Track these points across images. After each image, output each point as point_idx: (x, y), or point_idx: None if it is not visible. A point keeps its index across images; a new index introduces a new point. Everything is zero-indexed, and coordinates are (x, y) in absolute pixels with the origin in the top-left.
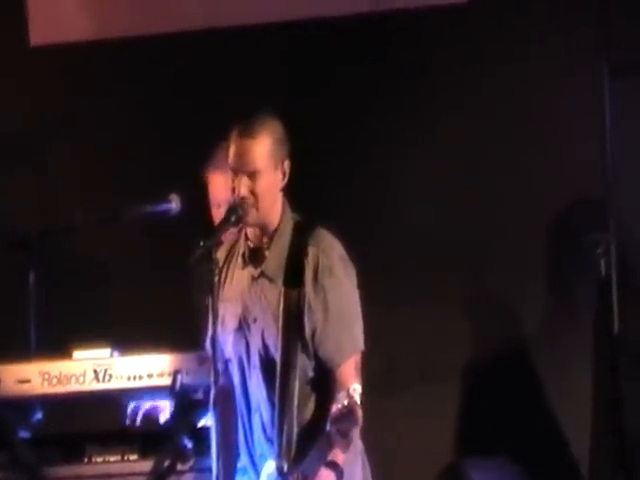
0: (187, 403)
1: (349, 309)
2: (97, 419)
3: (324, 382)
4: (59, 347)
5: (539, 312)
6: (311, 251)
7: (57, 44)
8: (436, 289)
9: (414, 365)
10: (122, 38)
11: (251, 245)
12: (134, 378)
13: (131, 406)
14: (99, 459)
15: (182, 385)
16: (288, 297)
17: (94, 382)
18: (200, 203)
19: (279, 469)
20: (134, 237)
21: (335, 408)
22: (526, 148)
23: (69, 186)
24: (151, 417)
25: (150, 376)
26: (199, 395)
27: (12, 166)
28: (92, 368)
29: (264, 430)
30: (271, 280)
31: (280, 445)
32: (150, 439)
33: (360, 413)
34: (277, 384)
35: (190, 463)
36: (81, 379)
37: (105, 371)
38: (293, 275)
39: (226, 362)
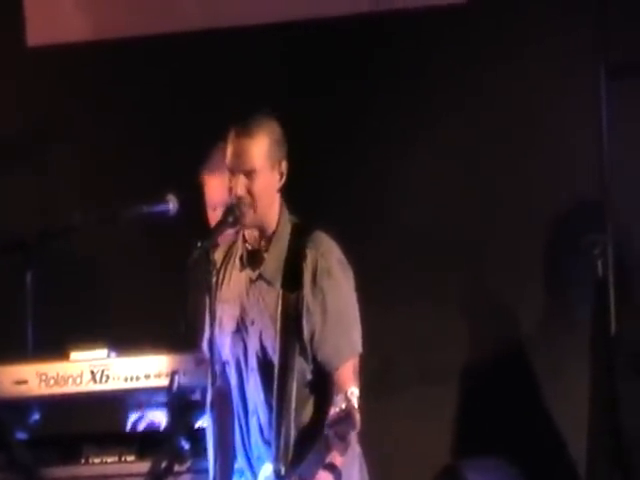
0: (184, 404)
1: (347, 312)
2: (94, 420)
3: (322, 385)
4: (56, 348)
5: (536, 313)
6: (309, 254)
7: (54, 45)
8: (434, 289)
9: (412, 366)
10: (120, 39)
11: (249, 247)
12: (131, 379)
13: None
14: (96, 460)
15: (179, 386)
16: (286, 300)
17: (91, 383)
18: (198, 204)
19: (276, 472)
20: (131, 238)
21: (333, 411)
22: (524, 149)
23: (67, 187)
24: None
25: (147, 377)
26: (196, 396)
27: (10, 167)
28: (89, 369)
29: (261, 433)
30: (269, 283)
31: (278, 448)
32: (147, 440)
33: (358, 417)
34: (275, 387)
35: (187, 464)
36: (78, 380)
37: (102, 372)
38: (291, 278)
39: (223, 364)
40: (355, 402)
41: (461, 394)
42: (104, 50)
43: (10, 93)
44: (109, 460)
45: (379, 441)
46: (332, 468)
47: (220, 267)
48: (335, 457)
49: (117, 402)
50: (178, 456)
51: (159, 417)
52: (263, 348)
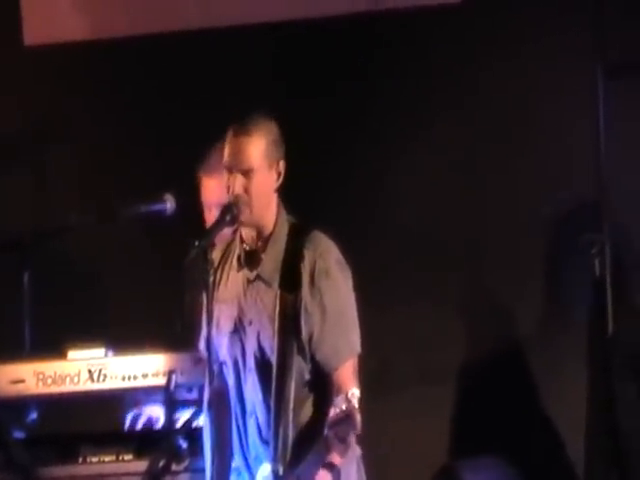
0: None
1: (346, 312)
2: (92, 419)
3: (321, 385)
4: (53, 347)
5: (534, 313)
6: (307, 255)
7: (51, 44)
8: (432, 289)
9: (410, 366)
10: (117, 38)
11: (247, 248)
12: (129, 378)
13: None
14: (94, 459)
15: (177, 385)
16: (284, 300)
17: (89, 382)
18: (196, 203)
19: (275, 472)
20: (129, 237)
21: (333, 412)
22: (521, 148)
23: (65, 186)
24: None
25: (145, 376)
26: (193, 395)
27: (8, 167)
28: (87, 368)
29: (259, 433)
30: (267, 283)
31: (276, 448)
32: (145, 439)
33: (359, 418)
34: (273, 387)
35: (185, 463)
36: (76, 379)
37: (100, 371)
38: (289, 278)
39: (220, 364)
40: (356, 403)
41: (459, 394)
42: (101, 49)
43: (7, 93)
44: (107, 459)
45: (377, 441)
46: (331, 467)
47: (217, 267)
48: (334, 457)
49: (115, 401)
50: (176, 455)
51: (157, 412)
52: (261, 348)
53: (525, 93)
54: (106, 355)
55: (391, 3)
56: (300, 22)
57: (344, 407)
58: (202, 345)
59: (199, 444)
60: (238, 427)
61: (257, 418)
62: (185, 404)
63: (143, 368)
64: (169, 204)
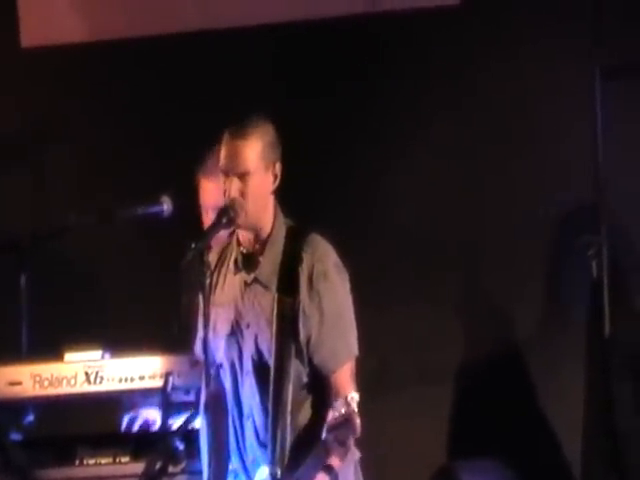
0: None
1: (344, 315)
2: (89, 421)
3: (319, 388)
4: (51, 349)
5: (532, 313)
6: (306, 258)
7: (49, 46)
8: (430, 290)
9: (408, 366)
10: (115, 40)
11: (244, 251)
12: (126, 380)
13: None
14: (91, 461)
15: (174, 387)
16: (282, 303)
17: (85, 384)
18: (193, 204)
19: (273, 475)
20: (126, 239)
21: (332, 416)
22: (519, 150)
23: (63, 188)
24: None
25: (142, 378)
26: (190, 397)
27: (6, 167)
28: (84, 370)
29: (257, 436)
30: (265, 286)
31: (274, 451)
32: (142, 441)
33: (358, 422)
34: (271, 390)
35: (182, 465)
36: (72, 381)
37: (96, 373)
38: (287, 281)
39: (217, 367)
40: (355, 407)
41: (457, 394)
42: (99, 51)
43: (5, 94)
44: (103, 461)
45: (375, 441)
46: (329, 469)
47: (213, 270)
48: (333, 460)
49: (111, 403)
50: (173, 457)
51: (154, 415)
52: (259, 351)
53: (523, 94)
54: (103, 357)
55: (389, 5)
56: (299, 23)
57: (343, 411)
58: (198, 347)
59: (196, 446)
60: (235, 430)
61: (254, 421)
62: (182, 406)
63: (140, 370)
64: (166, 206)
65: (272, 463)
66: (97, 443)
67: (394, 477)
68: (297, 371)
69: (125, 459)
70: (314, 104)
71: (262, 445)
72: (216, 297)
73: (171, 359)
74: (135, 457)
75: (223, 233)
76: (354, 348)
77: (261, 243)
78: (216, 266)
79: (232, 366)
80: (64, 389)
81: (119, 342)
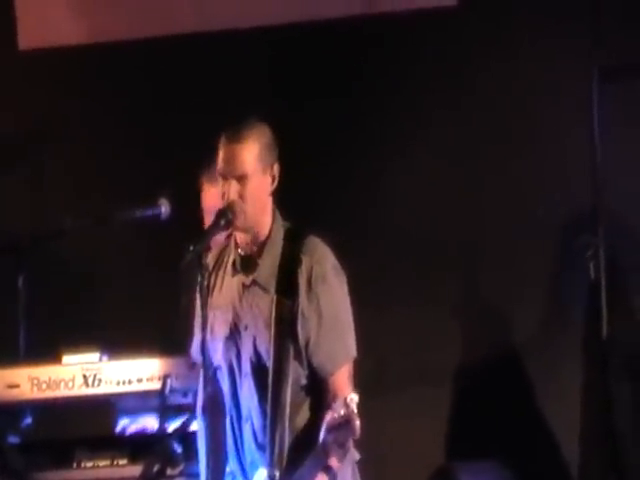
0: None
1: (342, 317)
2: (86, 424)
3: (317, 390)
4: (48, 352)
5: (531, 314)
6: (304, 260)
7: (46, 48)
8: (430, 290)
9: (407, 366)
10: (112, 42)
11: (242, 253)
12: (123, 383)
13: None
14: (89, 464)
15: (172, 389)
16: (280, 305)
17: (83, 387)
18: (191, 207)
19: (271, 477)
20: (124, 241)
21: (332, 417)
22: (517, 151)
23: (61, 189)
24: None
25: (140, 380)
26: (188, 399)
27: (3, 168)
28: (81, 373)
29: (255, 438)
30: (263, 288)
31: (272, 453)
32: (139, 444)
33: (358, 423)
34: (269, 392)
35: (179, 468)
36: (70, 384)
37: (94, 376)
38: (286, 284)
39: (215, 369)
40: (355, 408)
41: (456, 395)
42: (96, 53)
43: (2, 96)
44: (101, 464)
45: (374, 442)
46: (328, 470)
47: (212, 272)
48: (332, 461)
49: (109, 406)
50: (170, 460)
51: (150, 423)
52: (257, 353)
53: (522, 95)
54: (101, 360)
55: (386, 6)
56: (295, 25)
57: (342, 412)
58: (195, 350)
59: (194, 449)
60: (234, 432)
61: (253, 423)
62: (180, 409)
63: (138, 373)
64: (164, 208)
65: (270, 465)
66: (95, 446)
67: (393, 477)
68: (296, 373)
69: (123, 462)
70: (312, 105)
71: (260, 447)
72: (214, 299)
73: (169, 361)
74: (133, 460)
75: (220, 235)
76: (352, 350)
77: (259, 245)
78: (213, 268)
79: (230, 368)
80: (62, 392)
81: (117, 344)
